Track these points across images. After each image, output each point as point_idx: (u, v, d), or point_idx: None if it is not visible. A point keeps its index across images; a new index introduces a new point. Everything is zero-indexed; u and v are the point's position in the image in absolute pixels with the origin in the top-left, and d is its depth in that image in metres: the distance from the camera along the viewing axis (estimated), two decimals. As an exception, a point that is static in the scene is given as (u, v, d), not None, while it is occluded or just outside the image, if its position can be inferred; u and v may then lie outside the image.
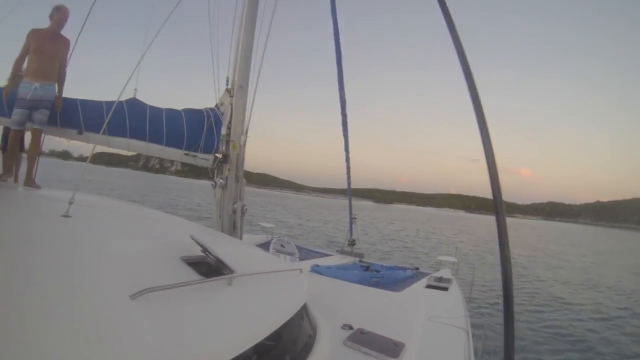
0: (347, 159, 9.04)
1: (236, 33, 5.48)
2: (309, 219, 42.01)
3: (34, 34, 4.43)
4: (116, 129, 4.71)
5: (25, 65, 4.43)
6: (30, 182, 4.37)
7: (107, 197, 5.04)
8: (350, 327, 3.47)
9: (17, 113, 4.26)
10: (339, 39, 8.26)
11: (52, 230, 2.32)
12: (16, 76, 4.37)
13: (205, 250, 2.33)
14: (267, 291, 2.49)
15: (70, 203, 2.58)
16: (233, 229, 5.02)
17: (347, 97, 8.64)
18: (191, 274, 2.18)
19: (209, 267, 2.38)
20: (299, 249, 9.69)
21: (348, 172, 9.30)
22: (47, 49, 4.47)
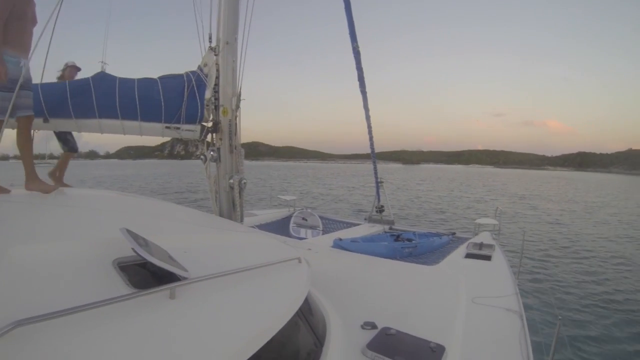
0: (367, 117, 8.18)
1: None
2: (334, 187, 41.24)
3: None
4: (84, 110, 4.07)
5: None
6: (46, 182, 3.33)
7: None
8: (374, 326, 2.71)
9: (21, 95, 3.15)
10: None
11: None
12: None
13: (136, 248, 1.53)
14: (236, 301, 1.68)
15: None
16: (233, 208, 4.28)
17: (367, 59, 7.75)
18: (119, 286, 1.42)
19: (157, 271, 1.60)
20: (323, 220, 9.12)
21: (370, 132, 8.47)
22: (29, 14, 3.33)
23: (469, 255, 5.55)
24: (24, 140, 3.32)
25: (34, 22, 3.41)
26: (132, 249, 1.54)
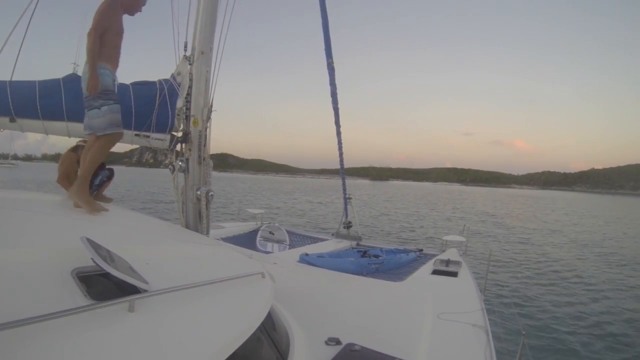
0: (338, 133, 8.23)
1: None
2: (301, 201, 41.20)
3: (115, 7, 3.30)
4: (53, 112, 3.92)
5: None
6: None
7: (25, 191, 4.03)
8: (338, 342, 2.69)
9: (114, 109, 3.29)
10: (324, 2, 7.39)
11: None
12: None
13: (95, 259, 1.49)
14: (197, 315, 1.64)
15: None
16: (199, 220, 4.22)
17: (340, 76, 7.83)
18: (76, 297, 1.37)
19: (118, 283, 1.56)
20: (290, 234, 9.08)
21: (340, 148, 8.52)
22: (122, 30, 3.42)
23: (435, 272, 5.60)
24: (99, 156, 3.34)
25: (122, 33, 3.45)
26: (92, 258, 1.49)
